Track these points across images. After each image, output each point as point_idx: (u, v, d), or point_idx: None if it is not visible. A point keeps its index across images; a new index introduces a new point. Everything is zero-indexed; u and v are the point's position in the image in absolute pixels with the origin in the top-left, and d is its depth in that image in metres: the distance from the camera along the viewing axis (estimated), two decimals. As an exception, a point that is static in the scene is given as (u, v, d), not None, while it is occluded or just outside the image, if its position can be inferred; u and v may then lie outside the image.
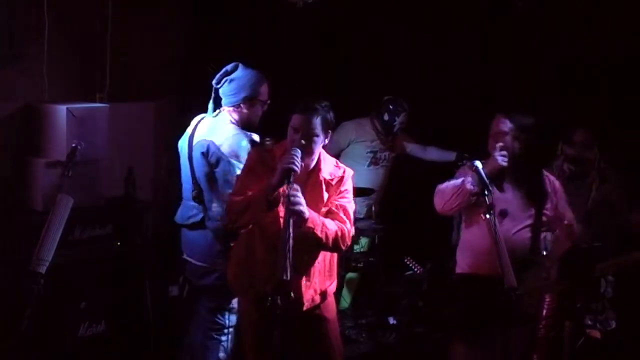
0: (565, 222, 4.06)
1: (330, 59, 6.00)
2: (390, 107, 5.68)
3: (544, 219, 3.95)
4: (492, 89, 5.78)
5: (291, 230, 3.30)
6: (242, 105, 4.14)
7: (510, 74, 5.73)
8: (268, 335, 3.33)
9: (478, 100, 5.91)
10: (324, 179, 3.61)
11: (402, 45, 6.04)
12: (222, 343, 4.22)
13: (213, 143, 4.05)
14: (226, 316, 4.21)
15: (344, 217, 3.61)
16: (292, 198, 3.30)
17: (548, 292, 4.28)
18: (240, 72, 4.14)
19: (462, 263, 4.07)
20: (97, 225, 4.49)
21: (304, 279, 3.60)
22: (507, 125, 3.89)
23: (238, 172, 3.91)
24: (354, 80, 6.04)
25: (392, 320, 5.53)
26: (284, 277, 3.18)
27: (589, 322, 4.43)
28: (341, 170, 3.69)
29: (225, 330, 4.22)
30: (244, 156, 3.93)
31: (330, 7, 5.33)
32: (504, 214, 3.89)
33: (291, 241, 3.26)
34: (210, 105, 4.21)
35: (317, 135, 3.52)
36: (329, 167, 3.66)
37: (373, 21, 6.03)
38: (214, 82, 4.17)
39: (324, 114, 3.53)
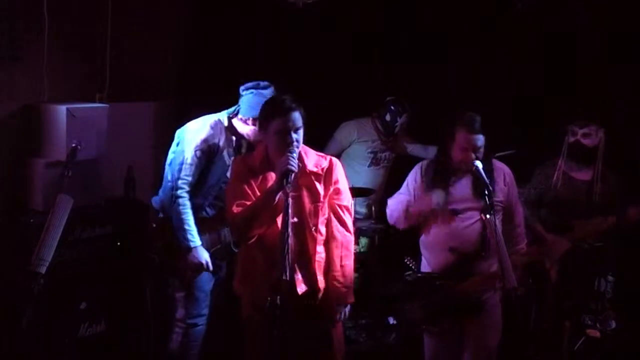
0: (516, 224, 4.08)
1: (330, 59, 5.99)
2: (392, 107, 5.68)
3: (497, 208, 3.92)
4: (492, 88, 5.77)
5: (290, 231, 3.30)
6: (250, 120, 4.18)
7: (510, 74, 5.73)
8: (268, 338, 3.33)
9: (478, 100, 5.91)
10: (311, 172, 3.61)
11: (402, 45, 6.03)
12: (173, 335, 4.28)
13: (182, 129, 4.24)
14: (176, 308, 4.27)
15: (348, 216, 3.70)
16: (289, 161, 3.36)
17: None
18: (268, 93, 4.15)
19: (424, 260, 4.15)
20: (97, 225, 4.49)
21: (304, 275, 3.60)
22: (481, 140, 3.90)
23: (182, 158, 4.08)
24: (354, 80, 6.04)
25: (392, 320, 5.52)
26: (283, 277, 3.18)
27: (589, 322, 4.43)
28: (326, 160, 3.68)
29: (178, 324, 4.26)
30: (193, 141, 4.08)
31: (330, 7, 5.32)
32: (455, 212, 3.93)
33: (290, 241, 3.27)
34: (233, 108, 4.27)
35: (302, 128, 3.53)
36: (312, 158, 3.66)
37: (373, 21, 6.02)
38: (242, 87, 4.21)
39: (299, 107, 3.54)
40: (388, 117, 5.69)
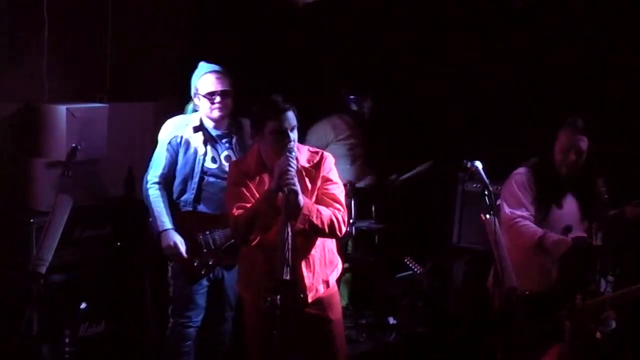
0: None
1: (330, 59, 6.00)
2: (352, 97, 5.66)
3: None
4: (493, 88, 5.77)
5: (289, 230, 3.30)
6: (193, 102, 4.23)
7: (511, 74, 5.73)
8: (270, 337, 3.33)
9: (478, 100, 5.91)
10: (303, 167, 3.58)
11: (402, 45, 6.03)
12: (168, 329, 4.29)
13: None
14: (170, 303, 4.27)
15: (337, 205, 3.58)
16: (287, 176, 3.30)
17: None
18: (194, 72, 4.23)
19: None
20: (97, 225, 4.49)
21: (304, 271, 3.58)
22: (585, 142, 3.87)
23: (158, 154, 4.19)
24: (354, 79, 6.03)
25: (392, 320, 5.53)
26: (284, 277, 3.18)
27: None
28: (318, 155, 3.65)
29: (170, 318, 4.26)
30: (160, 139, 4.21)
31: (330, 7, 5.33)
32: (569, 229, 3.86)
33: (290, 240, 3.26)
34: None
35: (297, 126, 3.52)
36: (305, 154, 3.64)
37: (373, 21, 6.02)
38: None
39: (292, 106, 3.53)
40: (354, 107, 5.66)
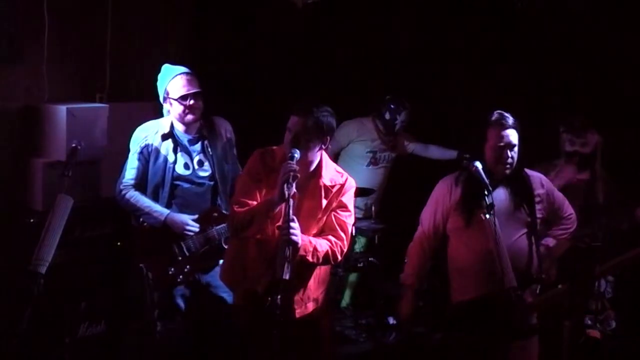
0: (565, 214, 3.94)
1: (330, 59, 6.00)
2: (392, 106, 5.70)
3: (538, 220, 3.84)
4: (493, 88, 5.78)
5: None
6: (164, 107, 4.21)
7: (510, 74, 5.73)
8: (258, 332, 3.39)
9: (478, 99, 5.91)
10: (324, 185, 3.55)
11: (403, 45, 6.04)
12: None
13: None
14: None
15: (342, 234, 3.57)
16: (290, 230, 3.27)
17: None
18: (159, 75, 4.21)
19: (455, 287, 3.90)
20: (97, 225, 4.49)
21: (297, 285, 3.56)
22: (515, 136, 3.76)
23: (130, 162, 4.14)
24: (354, 80, 6.04)
25: (392, 320, 5.52)
26: (284, 277, 3.18)
27: (589, 322, 4.43)
28: (343, 178, 3.61)
29: None
30: (132, 147, 4.16)
31: (330, 7, 5.33)
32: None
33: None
34: None
35: (309, 139, 3.44)
36: (330, 172, 3.60)
37: (373, 21, 6.02)
38: None
39: (320, 117, 3.45)
40: (387, 116, 5.71)
